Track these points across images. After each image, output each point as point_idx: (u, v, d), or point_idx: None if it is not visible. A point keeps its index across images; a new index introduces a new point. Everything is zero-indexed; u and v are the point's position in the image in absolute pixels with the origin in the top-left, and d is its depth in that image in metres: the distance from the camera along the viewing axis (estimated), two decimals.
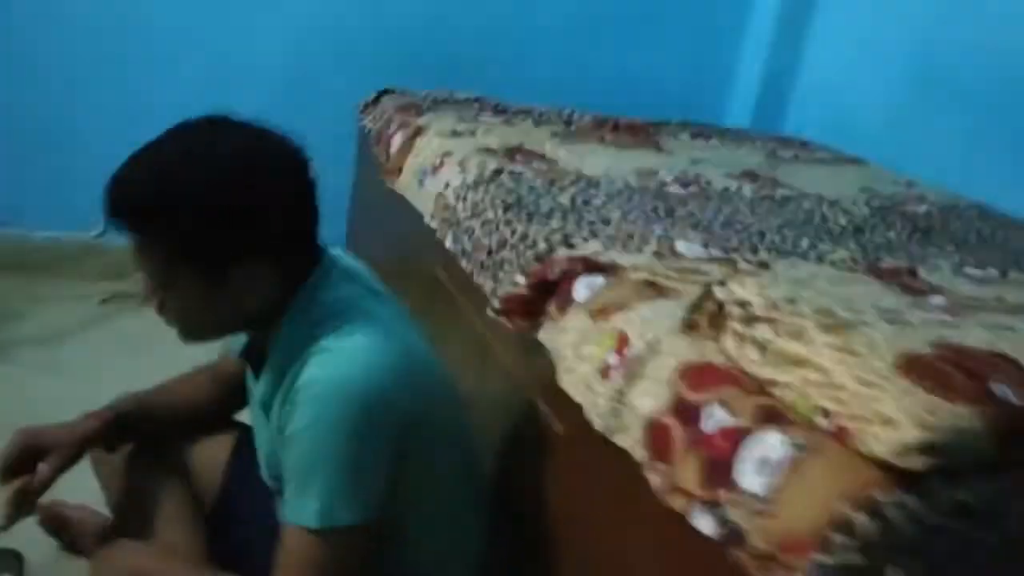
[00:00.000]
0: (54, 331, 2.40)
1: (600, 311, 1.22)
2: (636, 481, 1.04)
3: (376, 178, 2.32)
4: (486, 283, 1.56)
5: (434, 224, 1.87)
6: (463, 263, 1.69)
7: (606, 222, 1.56)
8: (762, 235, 1.60)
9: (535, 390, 1.36)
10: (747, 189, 2.02)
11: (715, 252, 1.42)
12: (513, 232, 1.52)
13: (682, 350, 1.05)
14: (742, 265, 1.36)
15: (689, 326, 1.08)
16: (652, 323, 1.13)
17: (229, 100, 2.77)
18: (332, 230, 2.84)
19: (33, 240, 2.67)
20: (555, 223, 1.52)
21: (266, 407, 1.21)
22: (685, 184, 1.98)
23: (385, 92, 2.49)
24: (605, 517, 1.15)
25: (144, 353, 2.34)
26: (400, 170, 2.13)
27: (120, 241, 2.71)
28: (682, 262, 1.36)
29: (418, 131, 2.13)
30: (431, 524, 1.25)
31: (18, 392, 2.07)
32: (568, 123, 2.45)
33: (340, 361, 1.09)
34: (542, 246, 1.43)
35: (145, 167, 1.11)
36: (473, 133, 2.12)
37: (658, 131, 2.57)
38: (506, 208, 1.60)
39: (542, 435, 1.33)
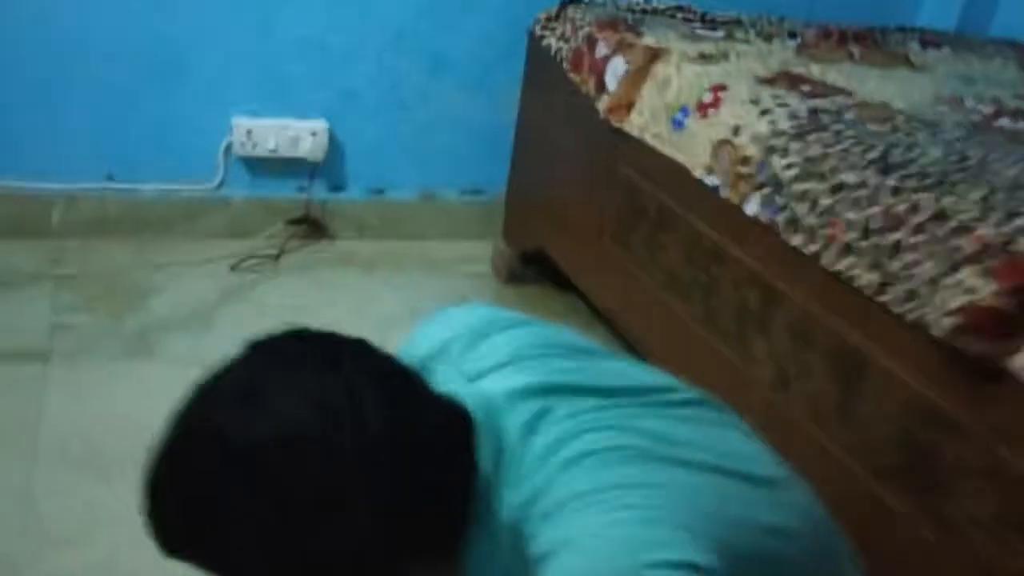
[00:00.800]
0: (190, 310, 2.01)
1: None
2: None
3: (575, 111, 1.90)
4: (859, 273, 1.18)
5: (715, 181, 1.47)
6: (793, 239, 1.30)
7: (1019, 187, 1.17)
8: None
9: (1005, 444, 1.00)
10: None
11: None
12: (913, 207, 1.13)
13: None
14: None
15: None
16: None
17: (365, 19, 2.34)
18: (486, 174, 2.47)
19: (144, 195, 2.25)
20: (974, 193, 1.12)
21: None
22: (1008, 116, 1.57)
23: (569, 3, 2.04)
24: None
25: None
26: (630, 106, 1.71)
27: (242, 191, 2.33)
28: None
29: (653, 55, 1.70)
30: None
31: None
32: (792, 35, 2.01)
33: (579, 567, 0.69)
34: (986, 232, 1.04)
35: (176, 483, 0.71)
36: (726, 56, 1.69)
37: (886, 40, 2.13)
38: (882, 170, 1.20)
39: None
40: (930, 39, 2.24)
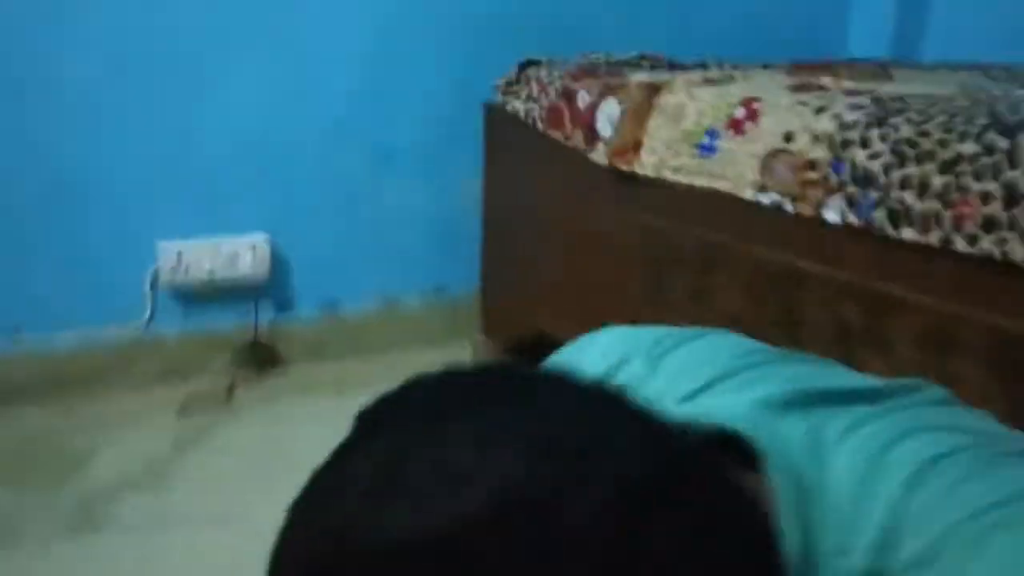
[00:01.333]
0: (138, 469, 1.66)
1: None
2: None
3: (560, 171, 1.71)
4: (1012, 248, 0.99)
5: (773, 198, 1.28)
6: (903, 233, 1.11)
7: None
8: None
9: None
10: None
11: None
12: None
13: None
14: None
15: None
16: None
17: (299, 114, 2.10)
18: (447, 271, 2.20)
19: (61, 346, 1.90)
20: None
21: None
22: None
23: (527, 65, 1.87)
24: None
25: (274, 471, 1.64)
26: (638, 146, 1.52)
27: (176, 326, 2.00)
28: None
29: (652, 88, 1.53)
30: None
31: (130, 569, 1.34)
32: (765, 67, 1.90)
33: None
34: None
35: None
36: (731, 80, 1.54)
37: (850, 71, 2.05)
38: (1003, 130, 1.03)
39: None
40: (886, 65, 2.19)
